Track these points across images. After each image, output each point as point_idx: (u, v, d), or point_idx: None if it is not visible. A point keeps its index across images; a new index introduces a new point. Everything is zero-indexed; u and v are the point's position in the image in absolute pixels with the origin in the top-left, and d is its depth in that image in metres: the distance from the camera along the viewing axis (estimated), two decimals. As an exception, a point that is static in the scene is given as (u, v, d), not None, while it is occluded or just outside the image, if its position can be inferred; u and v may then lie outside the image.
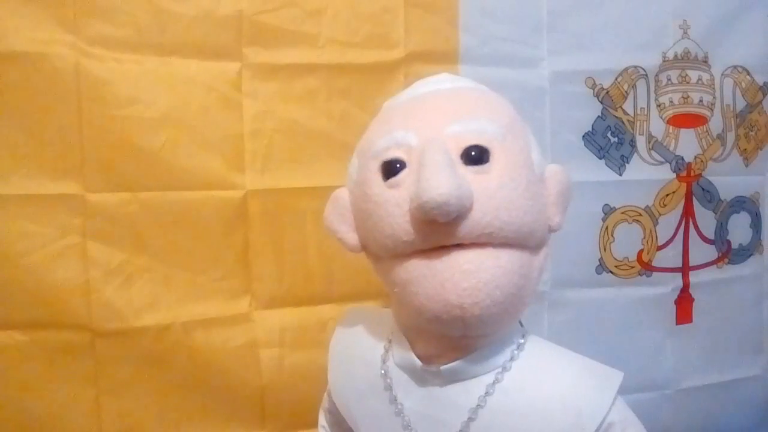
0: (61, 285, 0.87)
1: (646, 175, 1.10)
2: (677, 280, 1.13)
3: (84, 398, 0.90)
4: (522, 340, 0.60)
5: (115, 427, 0.91)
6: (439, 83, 0.63)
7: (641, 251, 1.11)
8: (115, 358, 0.90)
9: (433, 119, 0.55)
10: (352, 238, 0.60)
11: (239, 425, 0.96)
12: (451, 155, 0.51)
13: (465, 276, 0.50)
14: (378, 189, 0.55)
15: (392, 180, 0.54)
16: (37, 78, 0.85)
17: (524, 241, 0.54)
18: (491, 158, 0.53)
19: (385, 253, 0.56)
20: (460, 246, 0.51)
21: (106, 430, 0.91)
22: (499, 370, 0.57)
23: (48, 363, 0.88)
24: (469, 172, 0.52)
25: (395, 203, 0.53)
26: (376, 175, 0.56)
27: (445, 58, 0.98)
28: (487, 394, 0.56)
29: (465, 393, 0.57)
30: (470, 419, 0.56)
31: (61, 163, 0.87)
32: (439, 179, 0.48)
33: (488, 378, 0.57)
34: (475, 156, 0.52)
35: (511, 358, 0.58)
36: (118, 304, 0.89)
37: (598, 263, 1.09)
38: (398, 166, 0.54)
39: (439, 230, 0.50)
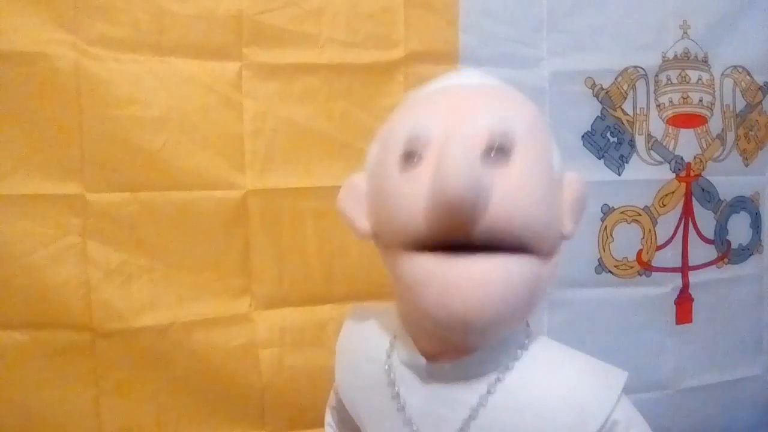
0: (61, 285, 0.87)
1: (645, 175, 1.10)
2: (677, 280, 1.13)
3: (84, 398, 0.90)
4: (527, 340, 0.60)
5: (114, 427, 0.91)
6: (465, 78, 0.63)
7: (640, 251, 1.11)
8: (115, 358, 0.90)
9: (456, 112, 0.54)
10: (363, 224, 0.59)
11: (239, 425, 0.96)
12: (472, 150, 0.50)
13: (472, 286, 0.49)
14: (395, 179, 0.54)
15: (411, 172, 0.53)
16: (37, 78, 0.85)
17: (537, 245, 0.53)
18: (513, 155, 0.52)
19: (396, 244, 0.55)
20: (471, 250, 0.50)
21: (106, 430, 0.91)
22: (503, 369, 0.57)
23: (48, 363, 0.88)
24: (490, 169, 0.50)
25: (412, 195, 0.52)
26: (395, 165, 0.55)
27: (445, 58, 0.98)
28: (488, 392, 0.56)
29: (467, 391, 0.57)
30: (471, 417, 0.56)
31: (61, 163, 0.87)
32: (459, 173, 0.47)
33: (491, 377, 0.57)
34: (497, 152, 0.51)
35: (515, 358, 0.58)
36: (118, 304, 0.89)
37: (597, 263, 1.09)
38: (418, 157, 0.53)
39: (453, 226, 0.49)
